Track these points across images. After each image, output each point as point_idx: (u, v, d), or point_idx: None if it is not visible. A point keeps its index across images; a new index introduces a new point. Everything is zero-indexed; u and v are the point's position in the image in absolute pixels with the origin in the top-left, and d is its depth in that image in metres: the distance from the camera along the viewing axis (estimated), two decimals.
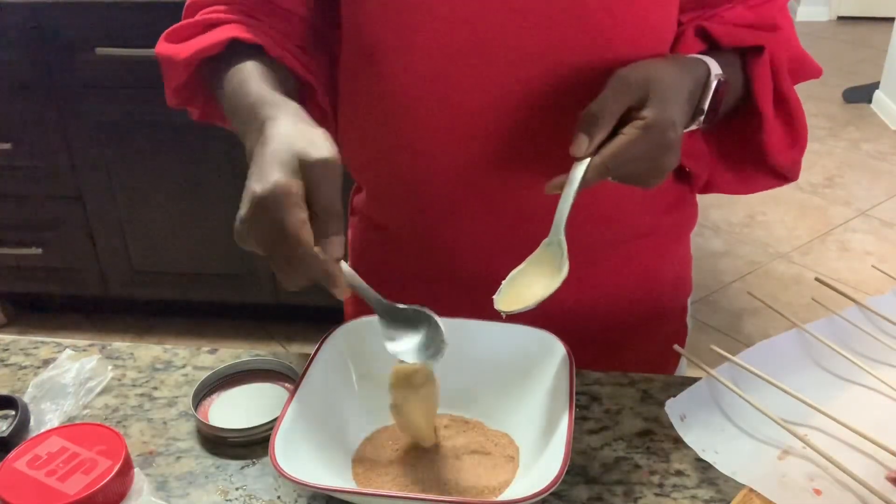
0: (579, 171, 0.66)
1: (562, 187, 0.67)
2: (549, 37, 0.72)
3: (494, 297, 0.68)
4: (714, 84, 0.72)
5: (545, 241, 0.69)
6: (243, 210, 0.61)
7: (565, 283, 0.85)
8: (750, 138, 0.82)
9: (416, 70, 0.76)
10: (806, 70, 0.84)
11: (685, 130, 0.74)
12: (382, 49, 0.77)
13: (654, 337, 0.92)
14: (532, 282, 0.68)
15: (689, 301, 1.00)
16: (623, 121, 0.66)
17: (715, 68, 0.73)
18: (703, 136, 0.86)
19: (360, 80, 0.81)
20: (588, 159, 0.66)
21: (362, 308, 0.97)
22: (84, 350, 0.86)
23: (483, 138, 0.77)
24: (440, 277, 0.86)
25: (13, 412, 0.75)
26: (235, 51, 0.75)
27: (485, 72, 0.74)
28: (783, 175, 0.86)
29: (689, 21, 0.79)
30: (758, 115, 0.80)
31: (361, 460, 0.70)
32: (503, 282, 0.69)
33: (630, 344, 0.91)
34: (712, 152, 0.87)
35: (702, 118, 0.73)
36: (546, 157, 0.76)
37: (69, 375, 0.80)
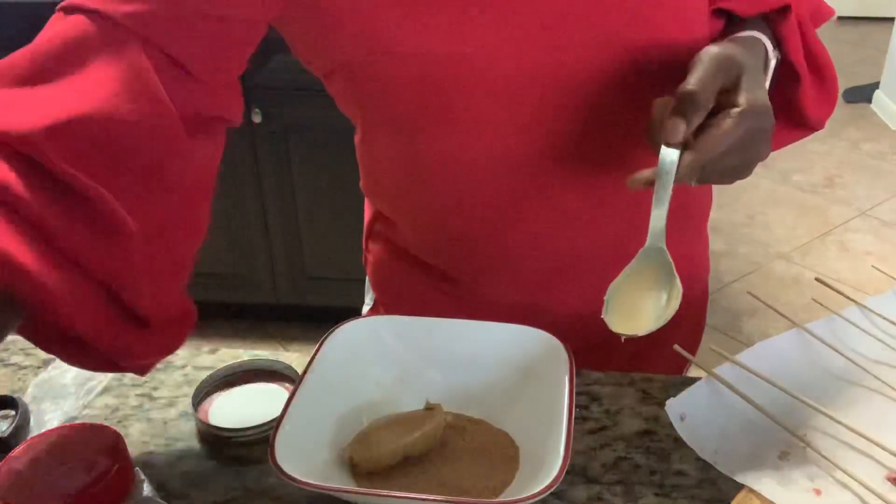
0: (668, 166, 0.59)
1: (648, 183, 0.61)
2: (601, 29, 0.68)
3: (605, 317, 0.62)
4: (773, 64, 0.68)
5: (642, 250, 0.62)
6: None
7: (578, 288, 0.84)
8: (783, 97, 0.77)
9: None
10: (821, 14, 0.80)
11: None
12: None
13: (668, 342, 0.92)
14: (638, 298, 0.62)
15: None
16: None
17: (770, 47, 0.69)
18: None
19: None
20: (676, 151, 0.60)
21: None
22: None
23: (524, 146, 0.74)
24: (465, 301, 0.85)
25: (13, 412, 0.75)
26: None
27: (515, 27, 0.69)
28: (812, 127, 0.81)
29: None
30: (793, 75, 0.76)
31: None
32: (606, 297, 0.62)
33: (645, 351, 0.90)
34: None
35: None
36: (589, 179, 0.74)
37: (69, 375, 0.80)
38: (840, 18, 5.22)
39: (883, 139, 3.65)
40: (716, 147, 0.59)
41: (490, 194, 0.77)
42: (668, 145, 0.60)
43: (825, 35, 0.81)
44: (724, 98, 0.60)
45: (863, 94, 4.00)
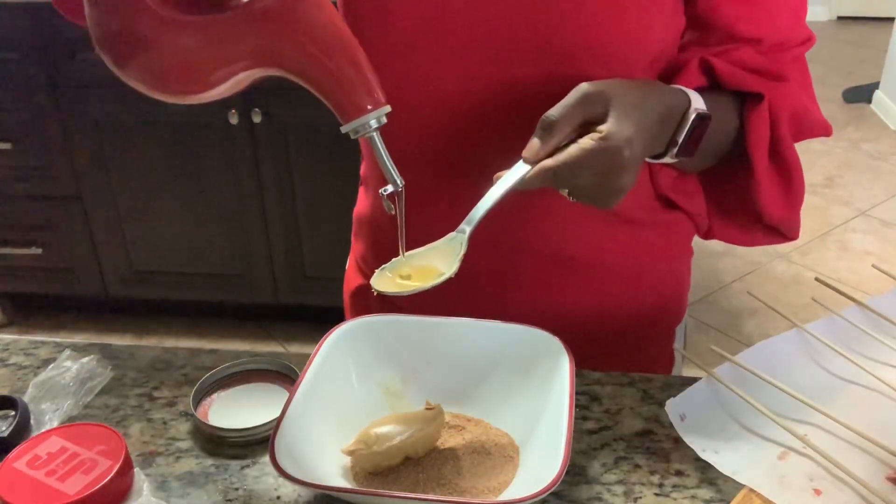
0: (518, 171, 0.66)
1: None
2: (510, 47, 0.72)
3: (377, 270, 0.68)
4: (692, 116, 0.70)
5: (452, 233, 0.68)
6: None
7: (578, 288, 0.84)
8: (745, 191, 0.81)
9: (391, 39, 0.75)
10: (812, 127, 0.82)
11: (659, 161, 0.74)
12: (363, 17, 0.76)
13: (649, 344, 0.92)
14: (422, 268, 0.68)
15: (681, 329, 0.97)
16: (581, 134, 0.66)
17: (697, 102, 0.71)
18: (701, 183, 0.86)
19: None
20: (527, 166, 0.66)
21: (361, 309, 0.97)
22: (84, 350, 0.86)
23: (453, 118, 0.77)
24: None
25: (13, 412, 0.75)
26: None
27: (454, 46, 0.74)
28: (780, 232, 0.84)
29: (695, 54, 0.77)
30: (751, 165, 0.78)
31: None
32: (394, 259, 0.69)
33: (629, 349, 0.91)
34: (711, 203, 0.86)
35: (675, 150, 0.71)
36: (511, 148, 0.75)
37: (69, 375, 0.80)
38: (840, 18, 5.22)
39: (883, 139, 3.65)
40: (566, 159, 0.64)
41: (419, 142, 0.80)
42: (524, 160, 0.66)
43: (825, 35, 0.81)
44: (592, 127, 0.65)
45: (863, 94, 4.00)
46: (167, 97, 0.64)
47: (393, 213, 0.66)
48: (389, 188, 0.66)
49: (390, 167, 0.65)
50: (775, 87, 0.78)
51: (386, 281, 0.68)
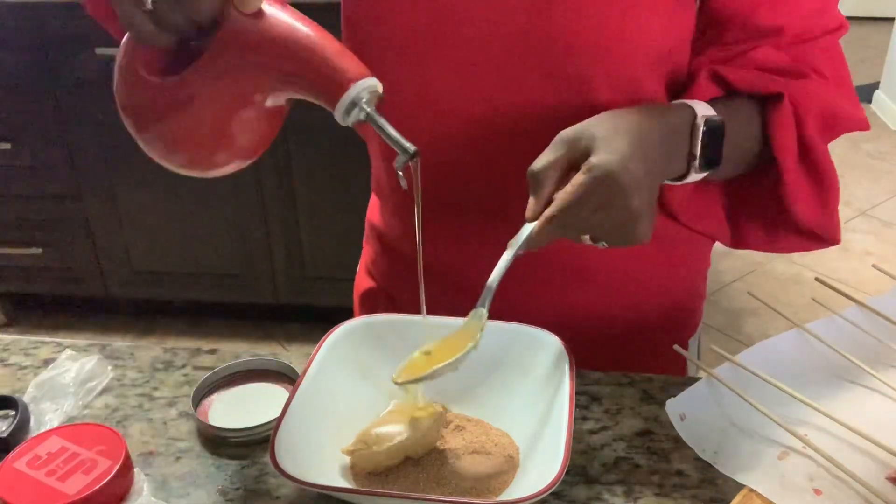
0: (524, 231, 0.64)
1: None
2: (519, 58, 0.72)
3: (398, 367, 0.67)
4: (701, 124, 0.68)
5: (471, 312, 0.67)
6: None
7: (579, 288, 0.84)
8: (775, 195, 0.77)
9: (390, 53, 0.75)
10: (844, 123, 0.78)
11: (685, 181, 0.71)
12: (362, 28, 0.76)
13: (662, 355, 0.92)
14: (448, 351, 0.66)
15: (694, 341, 0.95)
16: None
17: (702, 110, 0.69)
18: (725, 194, 0.82)
19: None
20: (530, 226, 0.64)
21: (370, 311, 0.97)
22: (84, 350, 0.86)
23: (455, 133, 0.77)
24: (427, 277, 0.86)
25: (13, 412, 0.75)
26: None
27: (454, 59, 0.73)
28: (818, 236, 0.80)
29: (706, 63, 0.74)
30: (779, 168, 0.75)
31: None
32: (422, 348, 0.68)
33: (641, 359, 0.90)
34: (740, 212, 0.82)
35: (696, 163, 0.69)
36: (515, 162, 0.75)
37: (69, 375, 0.80)
38: None
39: (883, 139, 3.65)
40: (562, 199, 0.62)
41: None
42: (527, 220, 0.64)
43: None
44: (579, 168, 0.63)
45: (863, 94, 4.00)
46: (194, 169, 0.65)
47: (407, 189, 0.63)
48: (403, 158, 0.61)
49: (397, 136, 0.60)
50: (798, 85, 0.74)
51: (408, 368, 0.67)
